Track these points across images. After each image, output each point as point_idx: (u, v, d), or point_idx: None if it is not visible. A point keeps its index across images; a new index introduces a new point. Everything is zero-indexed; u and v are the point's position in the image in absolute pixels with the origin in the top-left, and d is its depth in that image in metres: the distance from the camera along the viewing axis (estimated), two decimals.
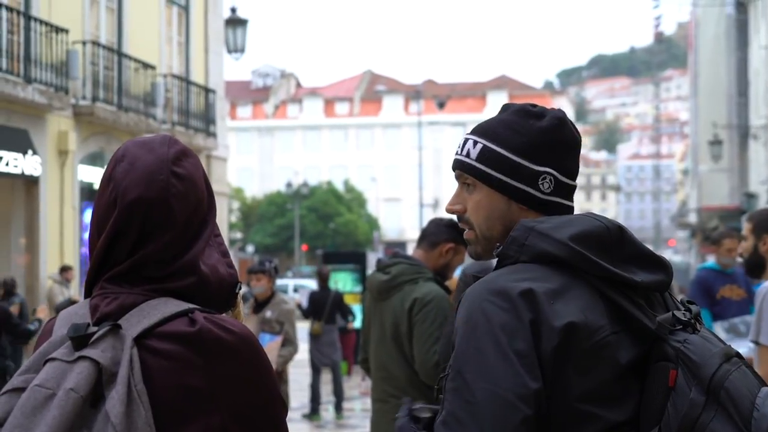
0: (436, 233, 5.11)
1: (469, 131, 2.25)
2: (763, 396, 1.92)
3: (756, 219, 5.07)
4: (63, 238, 18.97)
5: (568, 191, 2.19)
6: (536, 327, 1.93)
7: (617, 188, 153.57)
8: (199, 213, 1.97)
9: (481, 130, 2.20)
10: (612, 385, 1.97)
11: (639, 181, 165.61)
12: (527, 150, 2.14)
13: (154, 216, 1.90)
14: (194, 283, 1.91)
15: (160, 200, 1.90)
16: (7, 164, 17.31)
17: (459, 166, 2.20)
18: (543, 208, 2.15)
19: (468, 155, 2.18)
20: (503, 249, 2.09)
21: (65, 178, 19.06)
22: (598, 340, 1.96)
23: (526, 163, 2.13)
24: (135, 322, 1.84)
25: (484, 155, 2.16)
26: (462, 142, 2.22)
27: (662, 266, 2.11)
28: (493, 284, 2.00)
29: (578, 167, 2.22)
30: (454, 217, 2.29)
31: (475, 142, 2.18)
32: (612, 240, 2.06)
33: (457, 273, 5.25)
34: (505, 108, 2.23)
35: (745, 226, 5.10)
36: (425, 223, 5.37)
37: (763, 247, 4.94)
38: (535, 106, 2.21)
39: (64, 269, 17.25)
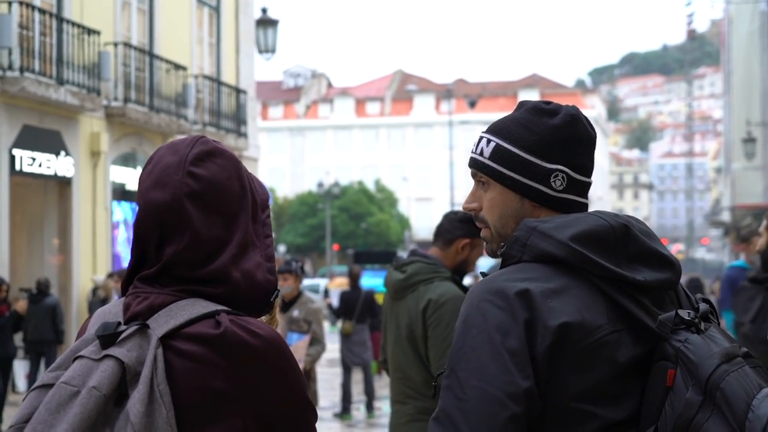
0: (450, 230, 4.95)
1: (484, 129, 2.28)
2: (761, 398, 1.91)
3: None
4: (95, 238, 19.10)
5: (582, 188, 2.20)
6: (531, 326, 1.95)
7: (650, 187, 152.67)
8: (226, 214, 1.95)
9: (495, 129, 2.22)
10: (610, 384, 1.98)
11: (672, 179, 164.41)
12: (539, 148, 2.15)
13: (169, 218, 1.91)
14: (224, 292, 1.92)
15: (175, 202, 1.91)
16: (40, 165, 17.46)
17: (473, 165, 2.23)
18: (556, 205, 2.17)
19: (482, 153, 2.21)
20: (506, 249, 2.12)
21: (97, 179, 19.20)
22: (595, 339, 1.98)
23: (538, 161, 2.15)
24: (162, 323, 1.86)
25: (497, 153, 2.18)
26: (477, 141, 2.25)
27: (669, 264, 2.11)
28: (492, 284, 2.03)
29: (593, 163, 2.23)
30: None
31: (489, 141, 2.21)
32: (617, 238, 2.07)
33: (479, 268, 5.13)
34: (520, 106, 2.25)
35: (764, 223, 5.27)
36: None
37: None
38: (549, 103, 2.22)
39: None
